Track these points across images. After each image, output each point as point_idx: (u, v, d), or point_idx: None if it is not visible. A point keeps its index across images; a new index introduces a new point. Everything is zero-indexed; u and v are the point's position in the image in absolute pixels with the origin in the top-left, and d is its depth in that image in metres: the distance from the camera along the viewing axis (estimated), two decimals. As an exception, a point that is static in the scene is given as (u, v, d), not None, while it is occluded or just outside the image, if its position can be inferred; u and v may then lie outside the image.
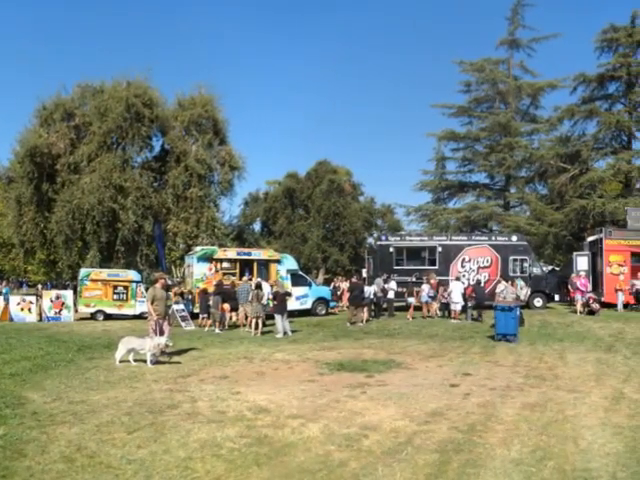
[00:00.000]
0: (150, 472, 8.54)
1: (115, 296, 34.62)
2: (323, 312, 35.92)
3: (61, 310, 34.45)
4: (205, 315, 29.73)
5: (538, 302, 37.06)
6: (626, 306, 34.85)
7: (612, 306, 34.82)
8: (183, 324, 29.30)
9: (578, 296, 33.61)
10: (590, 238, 40.41)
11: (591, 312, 32.35)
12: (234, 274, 33.80)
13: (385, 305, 34.19)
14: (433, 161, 62.96)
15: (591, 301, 32.87)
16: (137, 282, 35.24)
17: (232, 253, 35.43)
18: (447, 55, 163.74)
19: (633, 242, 37.01)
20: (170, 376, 15.70)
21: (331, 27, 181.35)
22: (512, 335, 22.32)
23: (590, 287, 34.97)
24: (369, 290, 31.92)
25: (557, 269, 51.84)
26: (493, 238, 39.70)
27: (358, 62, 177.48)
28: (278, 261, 35.39)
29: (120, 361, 17.65)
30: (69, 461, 8.98)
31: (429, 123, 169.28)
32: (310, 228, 63.15)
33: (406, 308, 33.93)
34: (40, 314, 34.51)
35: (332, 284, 42.38)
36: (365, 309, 30.87)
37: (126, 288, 34.78)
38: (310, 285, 36.51)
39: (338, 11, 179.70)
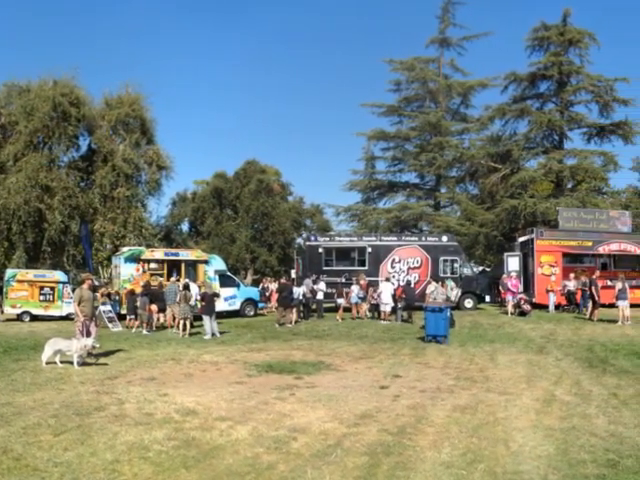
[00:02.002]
0: (77, 475, 8.46)
1: (41, 297, 33.95)
2: (252, 313, 35.81)
3: (-14, 311, 33.84)
4: (132, 316, 29.39)
5: (469, 303, 37.48)
6: (557, 307, 35.47)
7: (543, 307, 35.41)
8: (110, 325, 28.96)
9: (509, 297, 34.13)
10: (521, 238, 40.96)
11: (522, 313, 32.79)
12: (162, 275, 33.50)
13: (314, 306, 34.36)
14: (363, 161, 62.98)
15: (522, 302, 33.31)
16: (64, 283, 34.64)
17: (159, 254, 35.13)
18: (377, 54, 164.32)
19: (564, 242, 37.67)
20: (97, 378, 15.55)
21: (259, 26, 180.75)
22: (442, 336, 22.46)
23: (521, 288, 35.54)
24: (298, 291, 31.91)
25: (488, 270, 52.52)
26: (423, 238, 40.04)
27: (286, 61, 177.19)
28: (206, 262, 35.20)
29: (46, 363, 17.38)
30: (-5, 463, 8.88)
31: (359, 122, 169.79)
32: (238, 228, 63.07)
33: (335, 309, 34.04)
34: (-34, 315, 33.81)
35: (261, 285, 42.23)
36: (294, 310, 30.84)
37: (53, 289, 34.13)
38: (238, 286, 36.34)
39: (266, 9, 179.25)
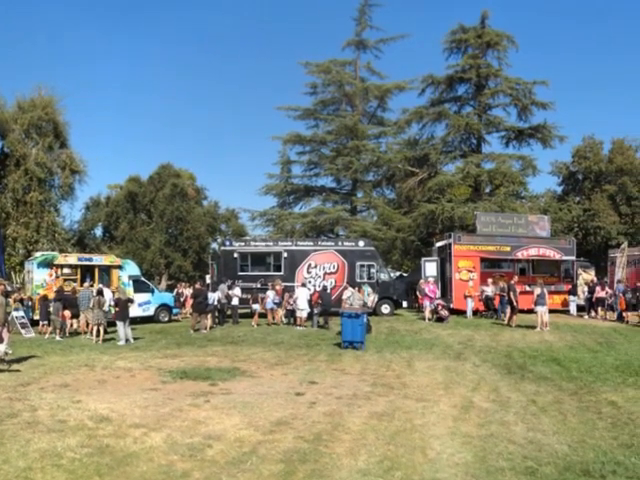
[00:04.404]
0: (-11, 483, 8.44)
1: (-47, 303, 33.32)
2: (166, 319, 35.63)
3: None
4: (45, 322, 29.01)
5: (386, 309, 37.65)
6: (475, 313, 35.93)
7: (461, 313, 35.78)
8: (23, 331, 28.46)
9: (426, 302, 34.29)
10: (439, 243, 41.32)
11: (440, 319, 33.04)
12: (75, 280, 33.08)
13: (229, 312, 34.21)
14: (278, 165, 62.60)
15: (440, 308, 33.55)
16: (-25, 289, 34.04)
17: (73, 259, 34.63)
18: (292, 56, 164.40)
19: (482, 247, 38.08)
20: (9, 384, 15.42)
21: (172, 28, 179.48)
22: (359, 342, 22.58)
23: (439, 293, 35.81)
24: (213, 296, 31.88)
25: (405, 275, 52.81)
26: (339, 243, 40.03)
27: (201, 64, 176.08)
28: (120, 267, 34.82)
29: (-41, 369, 17.18)
30: None
31: (275, 126, 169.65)
32: (153, 233, 62.98)
33: (251, 315, 33.85)
34: None
35: (175, 290, 42.07)
36: (209, 316, 30.76)
37: (-36, 295, 33.53)
38: (153, 291, 36.09)
39: (180, 11, 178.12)
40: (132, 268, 36.02)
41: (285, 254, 37.90)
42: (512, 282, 32.36)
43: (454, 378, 16.75)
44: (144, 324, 33.11)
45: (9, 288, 32.85)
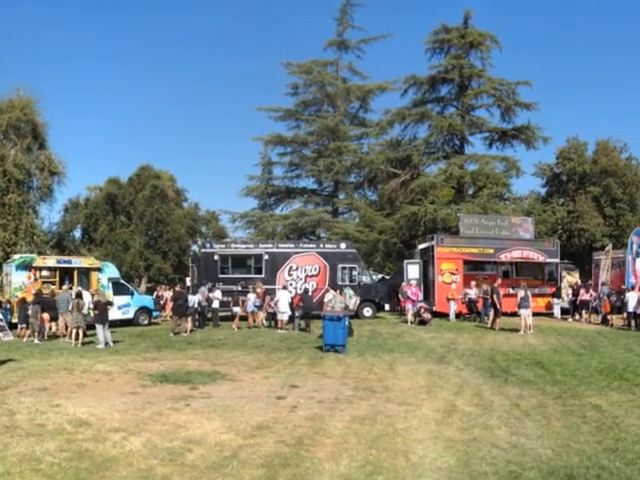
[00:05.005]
0: (-33, 488, 8.41)
1: None
2: (146, 322, 35.56)
3: None
4: (24, 325, 28.87)
5: (368, 312, 37.66)
6: (458, 316, 35.89)
7: (444, 316, 35.85)
8: (1, 334, 28.43)
9: (409, 305, 34.25)
10: (421, 245, 41.40)
11: (422, 322, 33.08)
12: (54, 283, 32.98)
13: (210, 315, 34.23)
14: (260, 166, 62.55)
15: (422, 311, 33.57)
16: (-47, 292, 33.96)
17: (52, 261, 34.56)
18: (274, 57, 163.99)
19: (465, 250, 38.14)
20: (-12, 388, 15.35)
21: (153, 28, 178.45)
22: (341, 346, 22.58)
23: (421, 296, 35.75)
24: (193, 299, 31.79)
25: (387, 277, 52.85)
26: (321, 245, 40.10)
27: (181, 64, 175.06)
28: (99, 269, 34.75)
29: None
30: None
31: (256, 127, 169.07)
32: (132, 235, 62.70)
33: (231, 318, 33.81)
34: None
35: (155, 293, 41.99)
36: (189, 319, 30.70)
37: (-59, 298, 33.37)
38: (132, 294, 36.02)
39: (160, 11, 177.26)
40: (111, 270, 35.91)
41: (266, 256, 37.85)
42: (495, 285, 32.44)
43: (437, 382, 16.75)
44: (124, 327, 33.10)
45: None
